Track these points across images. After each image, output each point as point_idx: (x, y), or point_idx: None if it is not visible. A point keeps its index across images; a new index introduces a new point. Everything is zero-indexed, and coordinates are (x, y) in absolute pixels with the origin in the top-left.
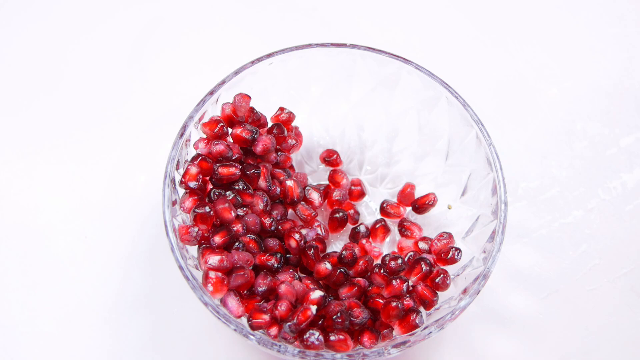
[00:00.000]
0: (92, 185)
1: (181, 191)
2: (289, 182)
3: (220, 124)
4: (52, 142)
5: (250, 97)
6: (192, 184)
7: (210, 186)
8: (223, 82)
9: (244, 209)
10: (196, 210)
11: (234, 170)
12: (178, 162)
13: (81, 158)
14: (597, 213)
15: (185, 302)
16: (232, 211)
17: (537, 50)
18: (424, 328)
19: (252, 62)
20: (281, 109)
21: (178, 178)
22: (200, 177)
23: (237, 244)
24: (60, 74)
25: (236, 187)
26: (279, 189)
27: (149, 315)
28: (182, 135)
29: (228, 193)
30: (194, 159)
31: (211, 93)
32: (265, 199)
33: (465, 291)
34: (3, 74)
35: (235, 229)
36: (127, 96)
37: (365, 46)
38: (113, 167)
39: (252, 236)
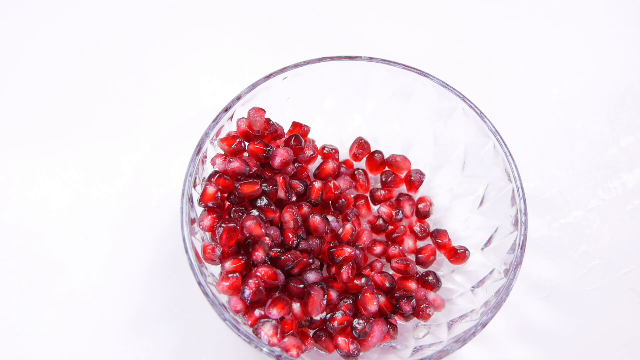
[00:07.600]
0: (107, 201)
1: (199, 209)
2: (317, 184)
3: (237, 140)
4: (66, 156)
5: (264, 111)
6: (211, 203)
7: (227, 202)
8: (238, 98)
9: (267, 224)
10: (223, 225)
11: (255, 187)
12: (195, 179)
13: (94, 173)
14: (597, 213)
15: (207, 315)
16: (261, 227)
17: (537, 50)
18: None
19: (266, 77)
20: (295, 123)
21: (195, 195)
22: (219, 194)
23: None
24: (72, 83)
25: (258, 204)
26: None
27: (171, 328)
28: (198, 152)
29: (253, 212)
30: (211, 176)
31: (226, 109)
32: (296, 217)
33: (486, 304)
34: (9, 78)
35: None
36: (140, 110)
37: (379, 58)
38: (127, 182)
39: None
